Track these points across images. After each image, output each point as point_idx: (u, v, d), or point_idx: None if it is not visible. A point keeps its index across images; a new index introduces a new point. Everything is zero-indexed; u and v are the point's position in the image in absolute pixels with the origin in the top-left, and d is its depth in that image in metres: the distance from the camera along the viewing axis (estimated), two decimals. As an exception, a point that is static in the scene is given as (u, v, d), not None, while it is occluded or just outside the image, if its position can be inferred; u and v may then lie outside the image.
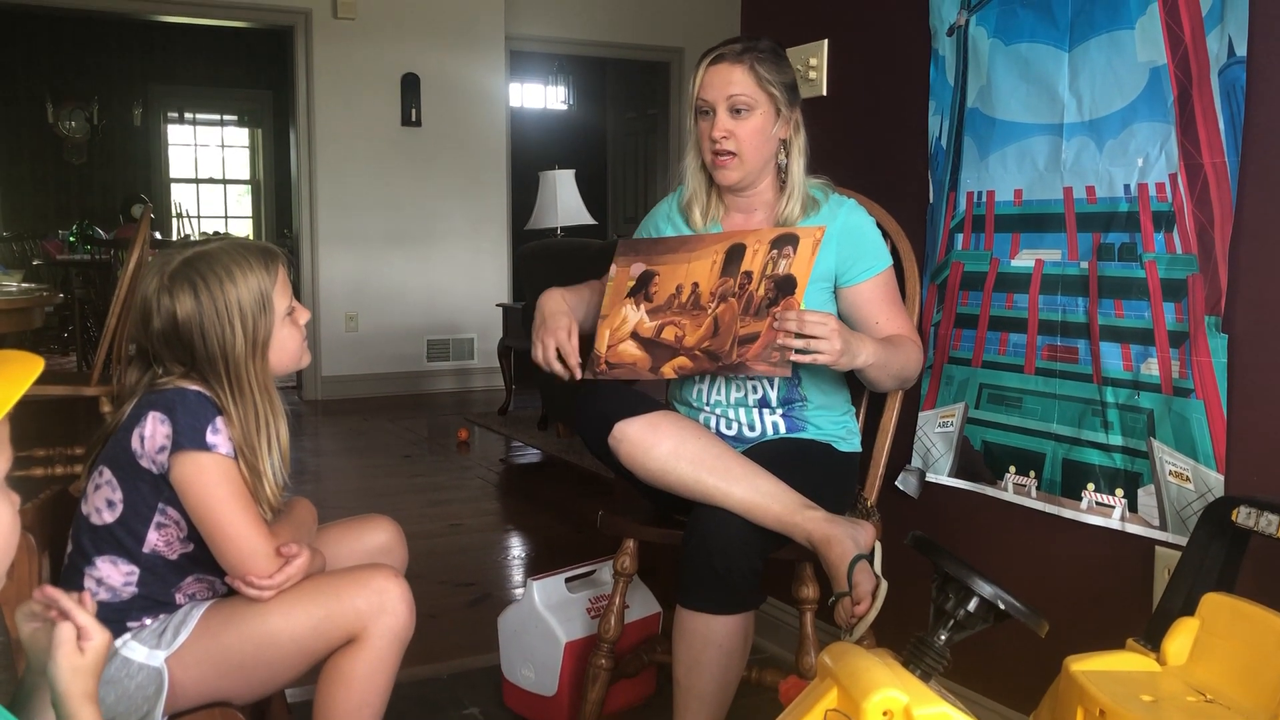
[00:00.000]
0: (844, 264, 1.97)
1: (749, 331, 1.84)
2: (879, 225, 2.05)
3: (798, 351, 1.77)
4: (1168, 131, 1.74)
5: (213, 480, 1.50)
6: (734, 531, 1.75)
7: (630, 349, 1.95)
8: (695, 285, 1.93)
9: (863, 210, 2.03)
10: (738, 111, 1.93)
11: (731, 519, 1.76)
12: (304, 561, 1.54)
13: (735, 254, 1.92)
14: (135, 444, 1.51)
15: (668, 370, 1.92)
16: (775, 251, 1.87)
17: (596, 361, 1.97)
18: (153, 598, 1.55)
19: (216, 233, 10.37)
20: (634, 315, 1.97)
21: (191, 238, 9.26)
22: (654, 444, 1.83)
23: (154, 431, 1.50)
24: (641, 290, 1.98)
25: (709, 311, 1.90)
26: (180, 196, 10.59)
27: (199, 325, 1.54)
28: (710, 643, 1.78)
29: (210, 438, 1.50)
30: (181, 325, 1.54)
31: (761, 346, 1.82)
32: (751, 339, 1.83)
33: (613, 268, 2.04)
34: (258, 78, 10.35)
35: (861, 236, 1.98)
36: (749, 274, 1.88)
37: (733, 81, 1.92)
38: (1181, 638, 1.38)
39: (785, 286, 1.84)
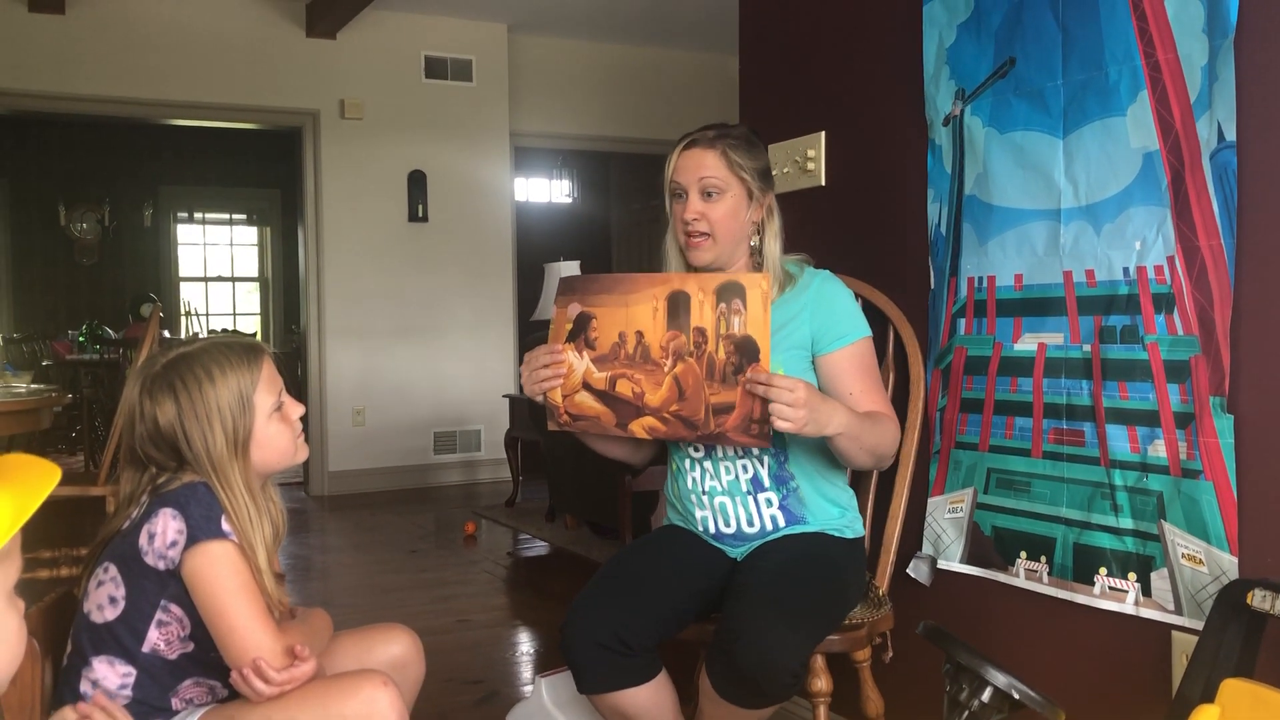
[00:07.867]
0: (818, 332, 1.97)
1: (721, 401, 1.81)
2: (879, 310, 2.06)
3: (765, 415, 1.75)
4: (1163, 215, 1.76)
5: (225, 571, 1.49)
6: (773, 641, 1.69)
7: (588, 401, 1.93)
8: (640, 335, 1.89)
9: (838, 281, 2.03)
10: (709, 194, 1.97)
11: (770, 628, 1.70)
12: (311, 668, 1.51)
13: (679, 302, 1.87)
14: (143, 541, 1.50)
15: (637, 429, 1.90)
16: (724, 305, 1.83)
17: (557, 413, 1.96)
18: (149, 703, 1.53)
19: (214, 331, 10.42)
20: (579, 364, 1.94)
21: (201, 335, 9.31)
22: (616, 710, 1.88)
23: (165, 528, 1.49)
24: (580, 334, 1.95)
25: (664, 369, 1.87)
26: (189, 295, 10.70)
27: (181, 428, 1.55)
28: None
29: (224, 525, 1.51)
30: (164, 429, 1.55)
31: (740, 418, 1.80)
32: (727, 408, 1.81)
33: (554, 309, 2.01)
34: (266, 177, 10.52)
35: (835, 304, 1.99)
36: (702, 331, 1.84)
37: (704, 165, 1.96)
38: (1203, 726, 1.35)
39: (748, 351, 1.80)
